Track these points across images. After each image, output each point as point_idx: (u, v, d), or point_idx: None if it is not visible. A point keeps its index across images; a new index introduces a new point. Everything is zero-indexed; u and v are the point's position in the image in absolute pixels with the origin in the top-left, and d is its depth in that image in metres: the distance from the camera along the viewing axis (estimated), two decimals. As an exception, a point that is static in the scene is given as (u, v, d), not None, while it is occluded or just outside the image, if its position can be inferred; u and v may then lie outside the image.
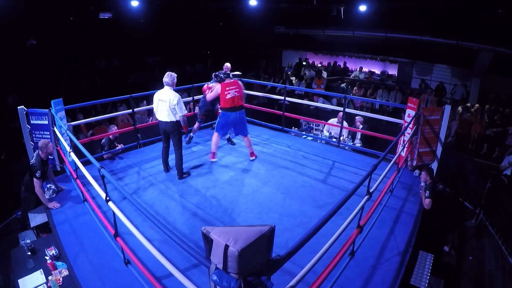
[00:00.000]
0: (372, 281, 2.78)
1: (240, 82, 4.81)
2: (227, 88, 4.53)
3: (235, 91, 4.57)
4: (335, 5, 9.76)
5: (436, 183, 4.13)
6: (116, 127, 5.39)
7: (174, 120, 4.16)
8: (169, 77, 4.13)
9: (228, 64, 5.81)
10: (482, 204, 4.96)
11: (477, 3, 8.15)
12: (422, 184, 4.11)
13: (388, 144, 3.72)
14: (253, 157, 5.03)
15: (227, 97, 4.52)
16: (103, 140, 5.13)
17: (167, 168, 4.65)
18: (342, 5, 9.67)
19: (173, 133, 4.25)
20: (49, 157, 4.24)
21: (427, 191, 3.87)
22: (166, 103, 4.08)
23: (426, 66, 11.62)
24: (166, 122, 4.19)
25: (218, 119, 4.79)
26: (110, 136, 5.14)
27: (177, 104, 4.07)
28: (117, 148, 5.24)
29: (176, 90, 4.18)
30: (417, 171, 4.65)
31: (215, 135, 4.80)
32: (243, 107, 4.76)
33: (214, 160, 4.92)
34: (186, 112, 4.26)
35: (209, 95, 4.79)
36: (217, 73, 4.75)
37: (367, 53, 13.38)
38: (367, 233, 3.14)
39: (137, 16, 10.47)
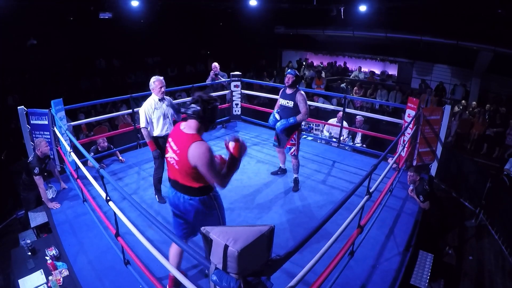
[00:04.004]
0: (372, 281, 2.78)
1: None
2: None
3: None
4: (335, 5, 9.76)
5: (424, 180, 4.10)
6: (102, 140, 4.95)
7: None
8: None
9: (216, 64, 5.60)
10: (482, 204, 4.96)
11: (477, 3, 8.16)
12: (411, 186, 4.08)
13: (388, 144, 3.72)
14: None
15: None
16: (92, 147, 4.93)
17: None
18: (342, 5, 9.67)
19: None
20: (50, 156, 4.26)
21: (420, 196, 3.86)
22: None
23: (426, 66, 11.62)
24: None
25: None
26: (99, 147, 4.90)
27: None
28: (111, 149, 4.99)
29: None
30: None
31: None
32: None
33: None
34: (144, 125, 3.62)
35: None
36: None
37: (367, 53, 13.37)
38: (366, 233, 3.14)
39: (137, 16, 10.45)
